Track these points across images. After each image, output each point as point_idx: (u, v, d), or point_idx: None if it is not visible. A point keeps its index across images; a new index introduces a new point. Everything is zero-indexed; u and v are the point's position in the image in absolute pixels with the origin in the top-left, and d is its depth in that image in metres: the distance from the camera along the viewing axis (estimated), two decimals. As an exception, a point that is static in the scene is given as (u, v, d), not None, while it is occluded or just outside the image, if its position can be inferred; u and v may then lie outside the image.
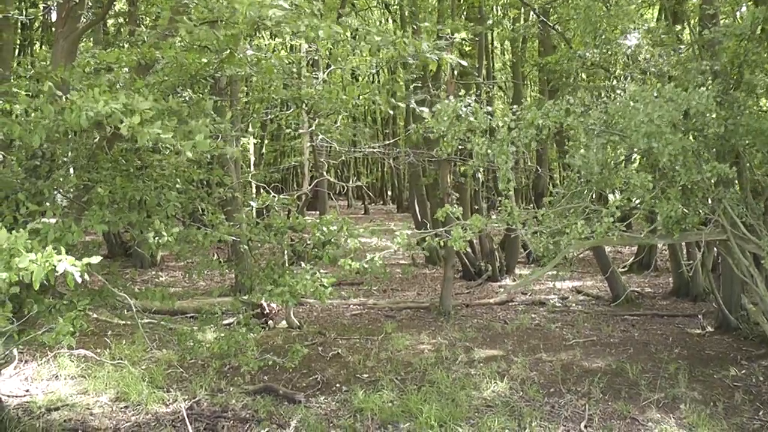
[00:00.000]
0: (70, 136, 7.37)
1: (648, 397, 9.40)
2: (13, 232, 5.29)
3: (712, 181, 9.45)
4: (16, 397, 9.45)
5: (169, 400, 9.37)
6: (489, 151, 8.79)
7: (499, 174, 8.87)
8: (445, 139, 9.35)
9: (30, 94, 8.62)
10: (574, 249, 9.44)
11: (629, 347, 12.05)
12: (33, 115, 6.21)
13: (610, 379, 10.19)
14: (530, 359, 11.30)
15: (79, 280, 4.83)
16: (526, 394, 9.61)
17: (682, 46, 12.99)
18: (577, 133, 8.78)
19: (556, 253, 8.81)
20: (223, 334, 8.80)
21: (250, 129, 15.86)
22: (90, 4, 9.09)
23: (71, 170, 8.01)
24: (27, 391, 9.76)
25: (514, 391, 9.76)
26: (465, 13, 22.81)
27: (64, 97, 6.15)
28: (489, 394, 9.62)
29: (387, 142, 20.49)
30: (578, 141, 8.83)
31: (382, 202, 56.18)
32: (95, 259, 5.02)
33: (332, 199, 35.10)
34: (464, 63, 7.81)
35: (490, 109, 9.40)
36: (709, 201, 9.60)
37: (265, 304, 13.37)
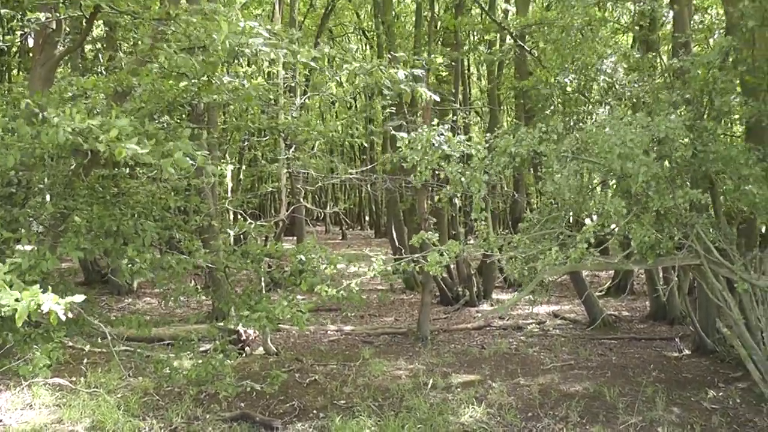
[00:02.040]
0: (46, 162, 7.36)
1: (626, 420, 9.43)
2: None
3: (686, 206, 9.56)
4: (-10, 427, 9.37)
5: (145, 429, 9.29)
6: (463, 179, 8.86)
7: (473, 202, 8.94)
8: (419, 167, 9.41)
9: (6, 117, 8.62)
10: (550, 274, 9.50)
11: (607, 371, 12.09)
12: (8, 138, 6.21)
13: (588, 403, 10.22)
14: (508, 384, 11.32)
15: (63, 318, 4.83)
16: (503, 419, 9.62)
17: (656, 74, 13.17)
18: (549, 160, 8.88)
19: (531, 278, 8.87)
20: (200, 361, 8.76)
21: (227, 156, 15.87)
22: (68, 30, 9.09)
23: (47, 197, 7.99)
24: (0, 420, 9.65)
25: (492, 416, 9.77)
26: (441, 38, 23.04)
27: (41, 117, 6.15)
28: (467, 419, 9.62)
29: (364, 168, 20.53)
30: (551, 167, 8.92)
31: (359, 228, 56.18)
32: (79, 298, 5.02)
33: (309, 225, 35.05)
34: (437, 98, 7.88)
35: (463, 137, 9.47)
36: (683, 226, 9.70)
37: (241, 331, 13.33)
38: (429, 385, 11.18)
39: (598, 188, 10.54)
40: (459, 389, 11.01)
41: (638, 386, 10.95)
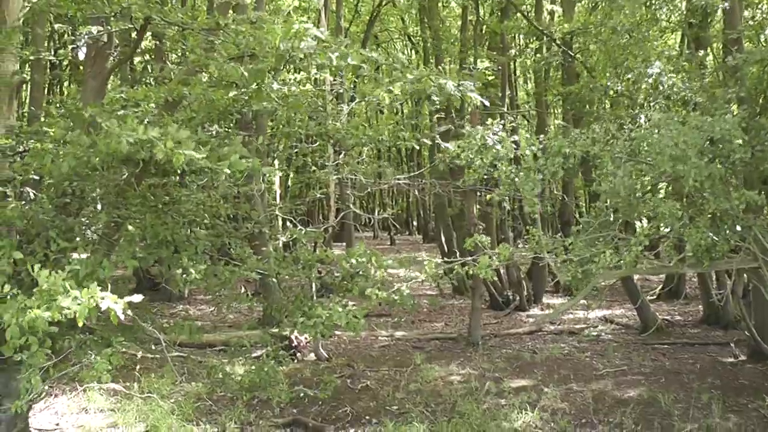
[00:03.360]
0: (98, 172, 7.46)
1: (682, 427, 9.29)
2: (52, 273, 5.37)
3: (741, 208, 9.37)
4: (47, 430, 9.54)
5: (199, 434, 9.40)
6: (516, 179, 8.80)
7: (526, 196, 8.86)
8: (471, 167, 9.38)
9: (62, 128, 8.76)
10: (605, 278, 9.38)
11: (661, 376, 11.91)
12: (62, 149, 6.31)
13: (643, 410, 10.08)
14: (561, 389, 11.21)
15: (122, 317, 4.90)
16: (557, 425, 9.54)
17: (706, 72, 12.96)
18: (603, 162, 8.77)
19: (585, 283, 8.76)
20: (253, 367, 8.81)
21: (276, 163, 15.96)
22: (117, 42, 9.22)
23: (99, 206, 8.09)
24: (57, 424, 9.82)
25: (545, 421, 9.69)
26: (487, 42, 22.98)
27: (98, 127, 6.24)
28: (520, 425, 9.56)
29: (412, 174, 20.51)
30: (605, 169, 8.81)
31: (407, 233, 56.07)
32: (137, 298, 5.10)
33: (358, 230, 35.07)
34: (487, 103, 7.83)
35: (516, 137, 9.41)
36: (739, 228, 9.50)
37: (293, 337, 13.37)
38: (483, 391, 11.11)
39: (658, 191, 10.35)
40: (511, 394, 10.94)
41: (693, 392, 10.77)
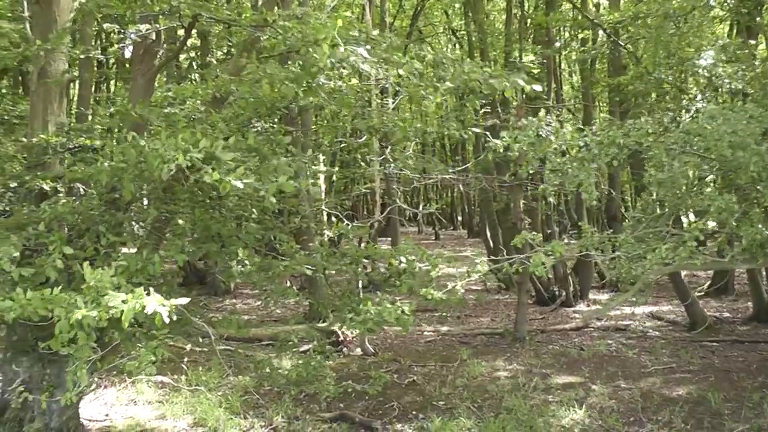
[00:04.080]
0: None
1: (732, 427, 9.12)
2: (98, 269, 5.44)
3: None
4: (97, 421, 9.67)
5: (246, 427, 9.44)
6: (570, 170, 8.68)
7: (582, 187, 8.73)
8: (525, 159, 9.30)
9: (109, 129, 8.89)
10: (655, 274, 9.24)
11: (710, 375, 11.71)
12: (115, 158, 6.37)
13: (692, 408, 9.92)
14: (608, 386, 11.09)
15: (167, 320, 4.95)
16: (605, 422, 9.43)
17: (757, 62, 12.71)
18: (658, 154, 8.61)
19: (635, 279, 8.63)
20: (300, 362, 8.84)
21: (321, 158, 16.02)
22: (163, 39, 9.31)
23: (145, 202, 8.18)
24: (107, 415, 9.97)
25: (593, 419, 9.59)
26: (532, 36, 22.81)
27: (142, 137, 6.31)
28: (567, 422, 9.47)
29: (458, 168, 20.44)
30: (659, 161, 8.65)
31: (452, 228, 56.00)
32: (183, 300, 5.16)
33: (403, 225, 35.11)
34: (538, 88, 7.75)
35: (567, 129, 9.30)
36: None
37: (339, 332, 13.41)
38: (530, 387, 11.04)
39: (708, 184, 10.15)
40: (559, 391, 10.86)
41: (744, 391, 10.58)
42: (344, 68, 6.71)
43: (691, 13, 13.27)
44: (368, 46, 6.70)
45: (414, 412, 10.08)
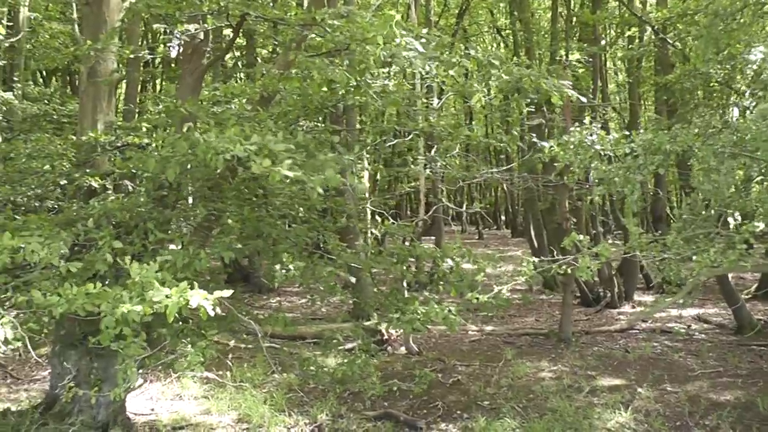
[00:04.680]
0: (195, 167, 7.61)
1: (782, 433, 8.98)
2: (144, 264, 5.50)
3: None
4: (143, 415, 9.79)
5: (290, 424, 9.49)
6: (616, 179, 8.58)
7: (625, 204, 8.64)
8: (572, 168, 9.23)
9: (156, 127, 9.00)
10: (706, 276, 9.09)
11: (758, 379, 11.51)
12: (164, 150, 6.44)
13: (740, 414, 9.74)
14: (654, 390, 10.96)
15: (212, 314, 4.98)
16: (651, 426, 9.32)
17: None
18: (706, 156, 8.46)
19: (684, 280, 8.50)
20: (346, 360, 8.86)
21: (366, 156, 16.04)
22: (211, 38, 9.40)
23: (190, 200, 8.26)
24: (152, 409, 10.11)
25: (639, 422, 9.49)
26: (578, 34, 22.61)
27: (194, 131, 6.36)
28: (613, 425, 9.39)
29: (503, 168, 20.35)
30: (707, 164, 8.50)
31: (495, 227, 55.76)
32: (227, 293, 5.19)
33: (448, 224, 34.98)
34: (583, 99, 7.69)
35: (613, 136, 9.19)
36: None
37: (383, 330, 13.41)
38: (575, 388, 10.96)
39: (757, 185, 9.95)
40: (604, 393, 10.77)
41: (793, 397, 10.39)
42: (395, 64, 6.69)
43: (741, 11, 13.01)
44: (423, 40, 6.68)
45: (458, 412, 10.06)
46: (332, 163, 5.76)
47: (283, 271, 7.33)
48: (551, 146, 9.07)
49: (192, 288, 5.18)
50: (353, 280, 8.58)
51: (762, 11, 13.31)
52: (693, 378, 11.71)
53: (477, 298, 8.03)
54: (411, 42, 6.44)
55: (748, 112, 10.75)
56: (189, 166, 6.42)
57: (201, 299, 5.04)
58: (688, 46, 17.21)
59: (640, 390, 10.91)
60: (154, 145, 7.87)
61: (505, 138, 9.71)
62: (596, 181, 9.22)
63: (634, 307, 18.89)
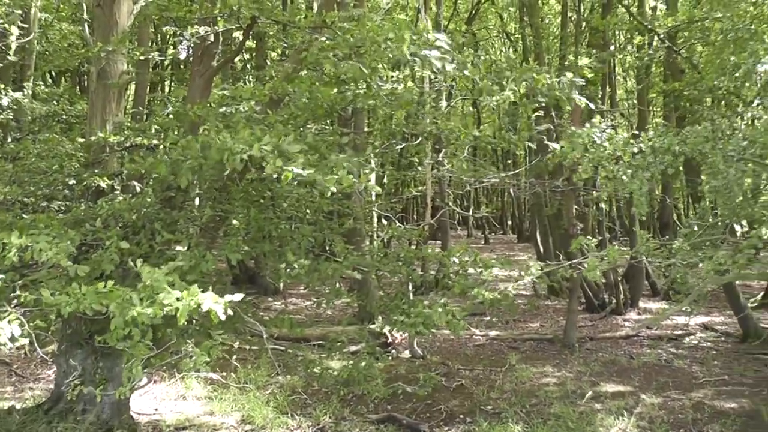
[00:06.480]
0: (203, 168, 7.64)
1: (786, 442, 8.96)
2: (154, 268, 5.53)
3: None
4: (147, 414, 9.83)
5: (293, 426, 9.52)
6: (624, 177, 8.56)
7: (635, 199, 8.63)
8: (580, 167, 9.22)
9: (165, 129, 9.05)
10: (712, 284, 9.09)
11: (763, 388, 11.47)
12: (174, 153, 6.48)
13: (745, 422, 9.73)
14: (658, 397, 10.95)
15: (223, 318, 5.00)
16: (655, 433, 9.33)
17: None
18: (715, 161, 8.45)
19: (690, 288, 8.50)
20: (350, 363, 8.88)
21: (373, 159, 16.07)
22: (221, 40, 9.44)
23: (197, 201, 8.29)
24: (156, 409, 10.14)
25: (643, 429, 9.48)
26: (587, 39, 22.59)
27: (207, 134, 6.40)
28: (616, 431, 9.38)
29: (511, 173, 20.35)
30: (716, 169, 8.49)
31: (501, 232, 55.74)
32: (238, 296, 5.21)
33: (455, 228, 35.02)
34: (592, 105, 7.69)
35: (622, 136, 9.18)
36: None
37: (388, 334, 13.43)
38: (579, 394, 10.96)
39: (763, 193, 9.94)
40: (608, 399, 10.76)
41: (800, 407, 10.36)
42: (415, 64, 6.69)
43: (751, 21, 13.02)
44: (449, 40, 6.69)
45: (461, 416, 10.07)
46: (345, 164, 5.78)
47: (288, 270, 7.34)
48: (562, 146, 9.06)
49: (203, 291, 5.20)
50: (359, 276, 8.58)
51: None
52: (697, 386, 11.69)
53: (483, 294, 8.00)
54: (437, 38, 6.46)
55: (756, 120, 10.72)
56: (201, 169, 6.45)
57: (212, 303, 5.06)
58: (696, 53, 17.19)
59: (644, 396, 10.90)
60: (163, 146, 7.89)
61: (514, 137, 9.66)
62: (603, 181, 9.21)
63: (639, 313, 18.85)
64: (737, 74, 12.78)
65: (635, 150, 8.92)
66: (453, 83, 7.72)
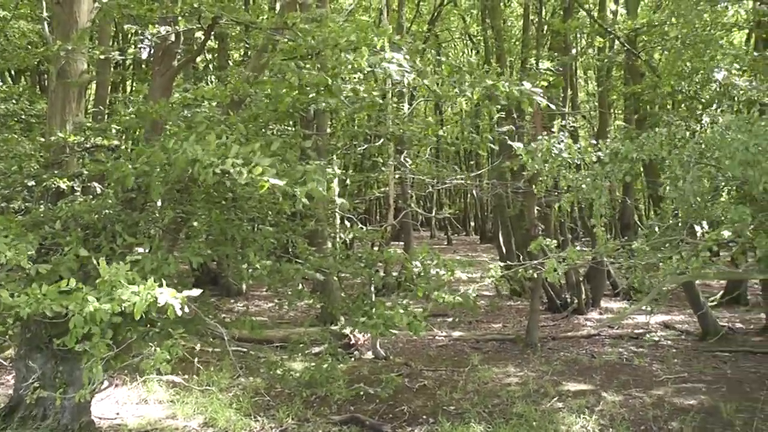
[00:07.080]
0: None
1: (744, 438, 9.10)
2: (114, 264, 5.50)
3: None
4: (108, 419, 9.72)
5: (256, 428, 9.48)
6: (583, 186, 8.67)
7: (593, 208, 8.73)
8: (540, 177, 9.31)
9: (126, 130, 8.96)
10: (670, 284, 9.21)
11: (722, 385, 11.66)
12: (140, 161, 6.43)
13: (704, 419, 9.87)
14: (619, 395, 11.07)
15: (180, 312, 4.99)
16: (616, 430, 9.41)
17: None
18: (672, 165, 8.58)
19: (649, 288, 8.60)
20: (313, 364, 8.86)
21: (335, 161, 16.08)
22: (182, 40, 9.38)
23: (159, 202, 8.23)
24: (118, 414, 10.03)
25: (604, 427, 9.57)
26: (549, 42, 22.77)
27: (165, 134, 6.37)
28: (578, 429, 9.47)
29: (473, 174, 20.45)
30: (673, 173, 8.62)
31: (464, 233, 55.96)
32: (195, 292, 5.20)
33: (417, 230, 35.07)
34: (552, 106, 7.79)
35: (581, 144, 9.29)
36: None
37: (351, 335, 13.43)
38: (541, 393, 11.04)
39: (724, 194, 10.09)
40: (569, 398, 10.85)
41: (756, 402, 10.50)
42: (374, 74, 6.73)
43: (706, 26, 13.24)
44: (405, 51, 6.74)
45: (424, 417, 10.09)
46: (314, 174, 5.78)
47: (251, 271, 7.32)
48: (522, 147, 9.12)
49: (160, 285, 5.18)
50: (321, 278, 8.57)
51: (722, 26, 13.52)
52: (658, 383, 11.83)
53: (443, 297, 8.06)
54: (393, 57, 6.49)
55: (714, 124, 10.89)
56: (168, 180, 6.43)
57: (169, 297, 5.04)
58: (656, 57, 17.41)
59: (605, 395, 11.02)
60: (124, 147, 7.82)
61: (477, 138, 9.72)
62: (565, 188, 9.31)
63: (601, 313, 19.04)
64: (696, 79, 12.99)
65: (594, 159, 9.02)
66: (415, 87, 7.74)
